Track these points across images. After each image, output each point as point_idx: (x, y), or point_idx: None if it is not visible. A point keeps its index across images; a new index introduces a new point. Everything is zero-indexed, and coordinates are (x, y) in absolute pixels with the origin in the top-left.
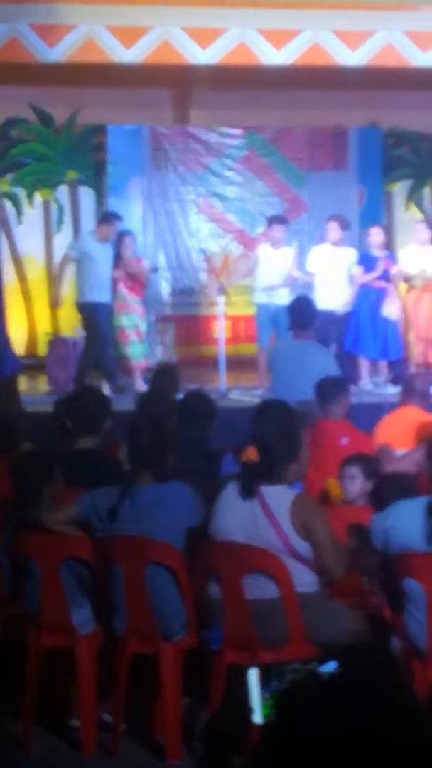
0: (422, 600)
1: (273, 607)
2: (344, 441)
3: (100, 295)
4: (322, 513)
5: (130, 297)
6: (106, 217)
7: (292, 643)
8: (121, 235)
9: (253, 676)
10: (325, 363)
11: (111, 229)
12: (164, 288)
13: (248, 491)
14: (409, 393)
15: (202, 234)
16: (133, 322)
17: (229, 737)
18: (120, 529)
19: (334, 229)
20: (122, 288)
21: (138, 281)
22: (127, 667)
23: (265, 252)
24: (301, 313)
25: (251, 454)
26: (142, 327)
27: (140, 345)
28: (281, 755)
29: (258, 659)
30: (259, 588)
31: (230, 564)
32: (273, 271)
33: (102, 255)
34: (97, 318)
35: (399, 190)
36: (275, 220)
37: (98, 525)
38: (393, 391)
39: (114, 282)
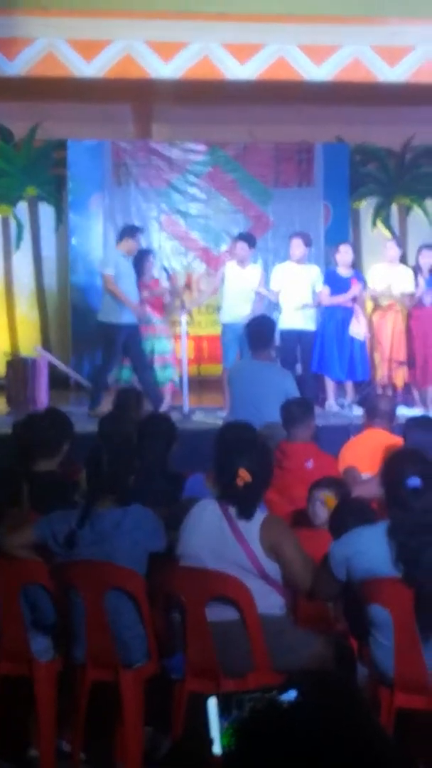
0: (388, 626)
1: (237, 631)
2: (309, 464)
3: (126, 315)
4: (291, 533)
5: (155, 318)
6: (132, 231)
7: (256, 671)
8: (145, 253)
9: (212, 704)
10: (284, 383)
11: (135, 244)
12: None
13: (247, 513)
14: (374, 415)
15: (165, 252)
16: (161, 345)
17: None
18: (79, 554)
19: (297, 246)
20: (148, 309)
21: (159, 301)
22: (86, 695)
23: (231, 270)
24: (260, 332)
25: (245, 475)
26: (168, 349)
27: (169, 369)
28: None
29: (221, 687)
30: (223, 612)
31: (192, 590)
32: (240, 290)
33: (129, 271)
34: (116, 339)
35: (366, 207)
36: (242, 237)
37: (56, 549)
38: (359, 412)
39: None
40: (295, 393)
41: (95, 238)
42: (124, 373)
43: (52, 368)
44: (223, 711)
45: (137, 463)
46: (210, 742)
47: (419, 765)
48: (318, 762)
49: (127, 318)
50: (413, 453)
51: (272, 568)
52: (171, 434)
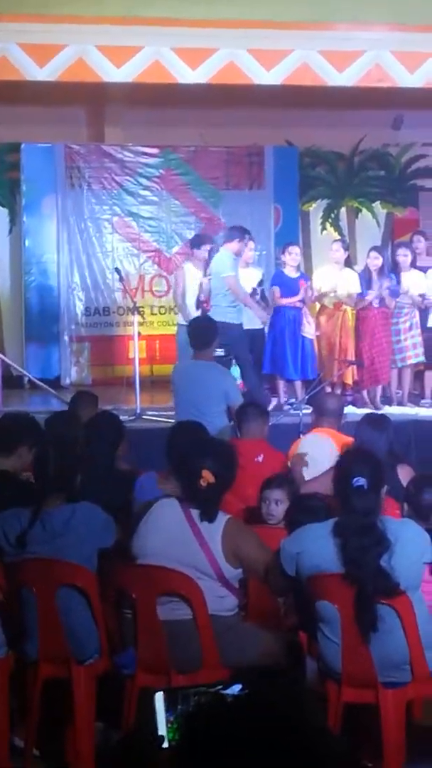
0: (335, 621)
1: (188, 629)
2: (260, 458)
3: (237, 315)
4: (253, 536)
5: None
6: (242, 232)
7: (206, 667)
8: None
9: (159, 699)
10: (224, 383)
11: (244, 246)
12: (78, 308)
13: (209, 515)
14: (322, 413)
15: (117, 253)
16: None
17: (137, 761)
18: (30, 552)
19: (249, 249)
20: None
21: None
22: (39, 692)
23: (190, 272)
24: (200, 332)
25: (208, 477)
26: None
27: None
28: None
29: (171, 683)
30: (175, 610)
31: (144, 587)
32: (196, 291)
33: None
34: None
35: (315, 209)
36: (205, 239)
37: (7, 548)
38: (308, 411)
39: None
40: (235, 393)
41: (48, 240)
42: None
43: (5, 368)
44: (170, 705)
45: (85, 461)
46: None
47: (364, 759)
48: (261, 755)
49: (237, 318)
50: (363, 453)
51: (231, 572)
52: (118, 433)
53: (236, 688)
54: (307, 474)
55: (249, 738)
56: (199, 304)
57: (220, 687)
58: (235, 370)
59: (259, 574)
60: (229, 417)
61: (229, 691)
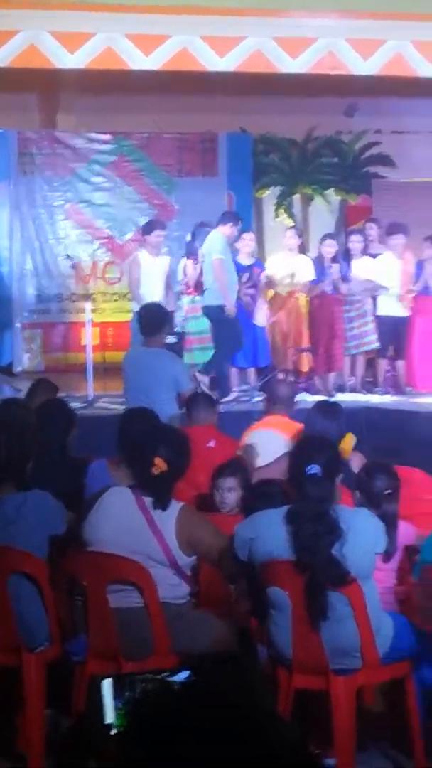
0: (286, 608)
1: (139, 616)
2: (211, 444)
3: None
4: (207, 523)
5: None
6: (235, 217)
7: (157, 654)
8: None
9: (107, 686)
10: (173, 370)
11: (236, 230)
12: (31, 294)
13: (162, 503)
14: (274, 401)
15: (70, 240)
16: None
17: (86, 748)
18: None
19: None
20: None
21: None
22: None
23: (144, 259)
24: (150, 319)
25: (161, 464)
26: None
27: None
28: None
29: (122, 670)
30: (126, 597)
31: (95, 574)
32: (153, 278)
33: (230, 257)
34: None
35: (269, 196)
36: (157, 225)
37: None
38: (261, 398)
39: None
40: (185, 379)
41: (1, 227)
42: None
43: None
44: (117, 692)
45: (36, 448)
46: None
47: (315, 746)
48: (209, 741)
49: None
50: (318, 441)
51: (184, 560)
52: (69, 420)
53: (184, 675)
54: (259, 463)
55: (196, 725)
56: (183, 289)
57: (167, 674)
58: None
59: (214, 560)
60: (180, 404)
61: (176, 678)
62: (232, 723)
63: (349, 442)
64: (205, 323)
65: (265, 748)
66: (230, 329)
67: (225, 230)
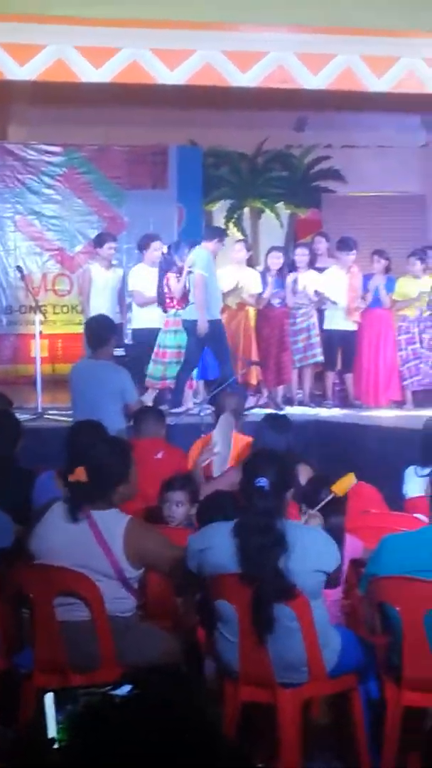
0: (234, 621)
1: (86, 629)
2: (159, 455)
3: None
4: (155, 532)
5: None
6: (221, 233)
7: (103, 667)
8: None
9: (49, 699)
10: (120, 382)
11: (221, 246)
12: None
13: (75, 513)
14: (222, 413)
15: (20, 252)
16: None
17: (30, 761)
18: None
19: (156, 249)
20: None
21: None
22: None
23: (95, 271)
24: (97, 331)
25: (80, 474)
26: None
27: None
28: None
29: (68, 683)
30: (73, 611)
31: (41, 586)
32: (104, 291)
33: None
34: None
35: (219, 209)
36: (108, 237)
37: None
38: (210, 411)
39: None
40: (132, 392)
41: None
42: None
43: None
44: (60, 706)
45: None
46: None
47: (261, 759)
48: (149, 755)
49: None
50: (269, 454)
51: (132, 573)
52: (16, 431)
53: (126, 689)
54: (219, 463)
55: (136, 738)
56: (164, 301)
57: (110, 687)
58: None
59: (164, 571)
60: (127, 417)
61: (119, 691)
62: (172, 736)
63: (347, 481)
64: (185, 338)
65: (205, 761)
66: (198, 346)
67: (209, 246)
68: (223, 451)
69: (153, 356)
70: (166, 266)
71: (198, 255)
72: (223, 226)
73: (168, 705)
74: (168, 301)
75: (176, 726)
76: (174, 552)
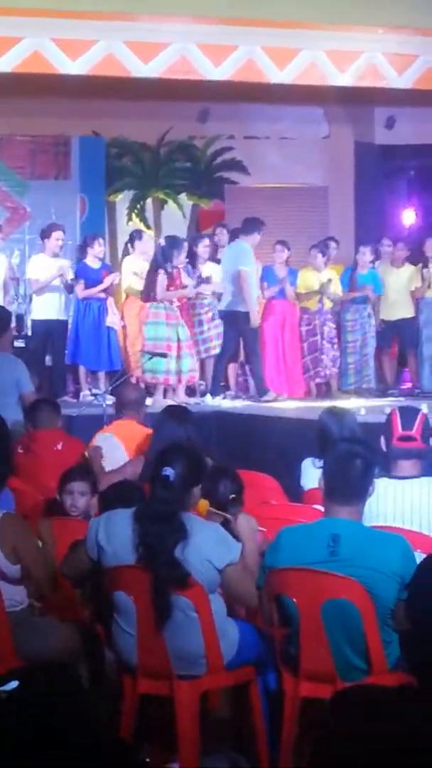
0: (131, 613)
1: None
2: (59, 446)
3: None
4: (28, 535)
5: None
6: (259, 225)
7: (2, 662)
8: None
9: None
10: (14, 373)
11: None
12: None
13: None
14: (123, 404)
15: None
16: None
17: None
18: None
19: (57, 239)
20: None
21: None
22: None
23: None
24: None
25: None
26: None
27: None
28: None
29: None
30: None
31: None
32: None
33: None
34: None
35: (122, 200)
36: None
37: None
38: (112, 401)
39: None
40: (27, 382)
41: None
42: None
43: None
44: None
45: None
46: None
47: (159, 751)
48: (31, 749)
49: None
50: (180, 447)
51: (11, 569)
52: None
53: (12, 685)
54: (107, 465)
55: (18, 733)
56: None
57: None
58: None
59: (33, 576)
60: (23, 407)
61: (6, 687)
62: (54, 730)
63: (201, 506)
64: (166, 332)
65: (86, 756)
66: (236, 337)
67: (252, 240)
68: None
69: (145, 350)
70: (163, 261)
71: (240, 250)
72: (126, 217)
73: (49, 701)
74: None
75: (57, 722)
76: (38, 556)
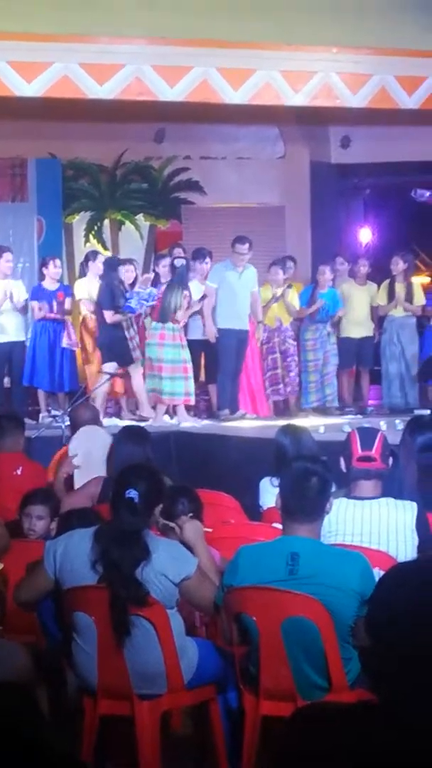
0: (91, 633)
1: None
2: (19, 471)
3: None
4: None
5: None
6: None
7: None
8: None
9: None
10: None
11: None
12: None
13: None
14: (77, 425)
15: None
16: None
17: None
18: None
19: (7, 261)
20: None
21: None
22: None
23: None
24: None
25: None
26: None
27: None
28: None
29: None
30: None
31: None
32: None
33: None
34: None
35: (79, 221)
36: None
37: None
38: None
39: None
40: None
41: None
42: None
43: None
44: None
45: None
46: None
47: None
48: None
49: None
50: (143, 469)
51: None
52: None
53: None
54: (80, 475)
55: None
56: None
57: None
58: None
59: None
60: None
61: None
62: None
63: None
64: (182, 354)
65: None
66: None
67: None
68: (84, 462)
69: (149, 371)
70: (181, 280)
71: (253, 274)
72: (83, 238)
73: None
74: (171, 314)
75: (10, 745)
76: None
